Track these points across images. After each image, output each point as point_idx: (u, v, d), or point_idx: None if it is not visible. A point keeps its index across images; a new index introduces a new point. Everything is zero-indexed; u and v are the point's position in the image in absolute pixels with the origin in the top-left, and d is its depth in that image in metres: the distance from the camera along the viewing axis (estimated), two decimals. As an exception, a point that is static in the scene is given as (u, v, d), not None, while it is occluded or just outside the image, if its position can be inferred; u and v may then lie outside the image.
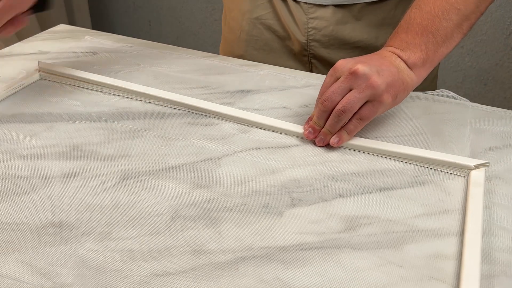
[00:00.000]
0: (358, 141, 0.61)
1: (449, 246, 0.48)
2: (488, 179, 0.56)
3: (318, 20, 0.80)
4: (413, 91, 0.74)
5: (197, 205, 0.52)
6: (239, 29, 0.88)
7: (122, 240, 0.48)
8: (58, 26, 0.96)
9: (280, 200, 0.53)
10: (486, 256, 0.47)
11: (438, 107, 0.70)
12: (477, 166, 0.57)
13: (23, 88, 0.73)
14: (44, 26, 1.77)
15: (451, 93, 0.72)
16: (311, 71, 0.87)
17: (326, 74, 0.81)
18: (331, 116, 0.59)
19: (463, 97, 0.71)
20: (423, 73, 0.62)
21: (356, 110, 0.58)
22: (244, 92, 0.73)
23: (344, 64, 0.59)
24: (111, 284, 0.43)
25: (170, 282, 0.44)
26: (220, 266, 0.45)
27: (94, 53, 0.84)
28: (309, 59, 0.86)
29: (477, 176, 0.56)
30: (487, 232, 0.50)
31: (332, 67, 0.60)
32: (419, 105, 0.70)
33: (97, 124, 0.65)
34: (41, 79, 0.76)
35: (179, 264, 0.45)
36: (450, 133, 0.64)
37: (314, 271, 0.45)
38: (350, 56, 0.81)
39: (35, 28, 1.81)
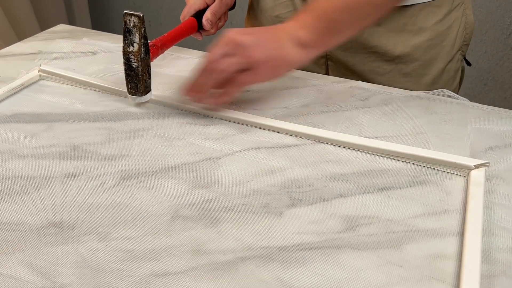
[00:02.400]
0: (358, 141, 0.61)
1: (449, 246, 0.48)
2: (488, 179, 0.56)
3: None
4: (413, 90, 0.74)
5: (197, 205, 0.52)
6: (259, 26, 0.88)
7: (122, 240, 0.48)
8: (58, 26, 0.96)
9: (280, 200, 0.53)
10: (486, 256, 0.47)
11: (438, 107, 0.70)
12: (477, 166, 0.57)
13: (23, 88, 0.73)
14: (44, 26, 1.77)
15: (451, 93, 0.72)
16: (327, 72, 0.86)
17: (341, 77, 0.81)
18: (208, 74, 0.63)
19: (463, 97, 0.71)
20: (311, 55, 0.65)
21: (231, 72, 0.62)
22: (244, 92, 0.73)
23: (231, 33, 0.62)
24: (111, 284, 0.43)
25: (170, 282, 0.44)
26: (220, 266, 0.45)
27: (94, 53, 0.84)
28: (326, 60, 0.85)
29: (477, 176, 0.56)
30: (487, 232, 0.50)
31: (223, 36, 0.63)
32: (419, 105, 0.70)
33: (97, 124, 0.65)
34: (41, 79, 0.76)
35: (179, 264, 0.45)
36: (450, 133, 0.64)
37: (314, 271, 0.45)
38: (367, 61, 0.81)
39: (35, 28, 1.81)
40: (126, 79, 0.66)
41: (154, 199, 0.53)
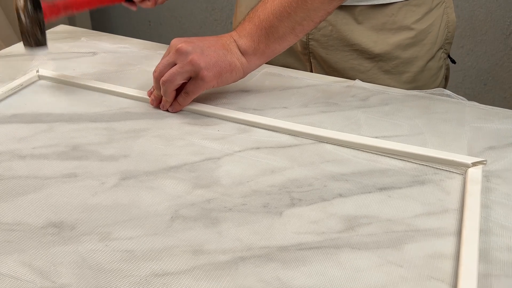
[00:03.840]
0: (358, 139, 0.61)
1: (449, 245, 0.48)
2: (487, 178, 0.56)
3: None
4: (412, 90, 0.74)
5: (197, 205, 0.52)
6: None
7: (122, 240, 0.48)
8: (58, 26, 0.96)
9: (279, 200, 0.53)
10: (486, 255, 0.47)
11: (437, 107, 0.70)
12: (474, 164, 0.57)
13: (23, 88, 0.73)
14: (44, 26, 1.77)
15: (449, 92, 0.72)
16: (311, 70, 0.87)
17: (325, 74, 0.81)
18: (159, 85, 0.66)
19: (463, 96, 0.72)
20: (255, 61, 0.68)
21: (178, 82, 0.65)
22: (244, 92, 0.73)
23: (175, 42, 0.66)
24: (111, 284, 0.43)
25: (170, 282, 0.44)
26: (220, 266, 0.45)
27: (94, 53, 0.84)
28: (309, 58, 0.86)
29: (474, 173, 0.56)
30: (486, 231, 0.50)
31: (169, 45, 0.67)
32: (417, 105, 0.70)
33: (97, 124, 0.65)
34: (40, 79, 0.76)
35: (179, 264, 0.46)
36: (449, 132, 0.64)
37: (313, 271, 0.45)
38: (348, 58, 0.81)
39: (35, 28, 1.81)
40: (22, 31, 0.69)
41: (154, 199, 0.53)
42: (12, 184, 0.54)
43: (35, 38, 0.69)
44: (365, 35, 0.79)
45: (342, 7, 0.78)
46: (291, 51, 0.87)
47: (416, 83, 0.83)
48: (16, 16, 0.68)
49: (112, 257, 0.46)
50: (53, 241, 0.47)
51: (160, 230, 0.49)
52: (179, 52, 0.64)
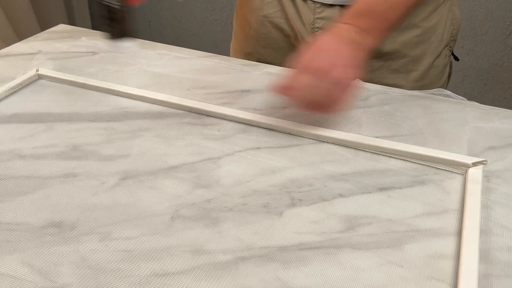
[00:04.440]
0: (358, 139, 0.61)
1: (449, 245, 0.48)
2: (488, 178, 0.56)
3: (324, 20, 0.80)
4: (419, 88, 0.75)
5: (197, 205, 0.52)
6: (248, 26, 0.89)
7: (122, 240, 0.48)
8: (58, 26, 0.96)
9: (280, 200, 0.53)
10: (486, 255, 0.47)
11: (437, 107, 0.70)
12: (474, 164, 0.57)
13: (23, 88, 0.73)
14: (44, 26, 1.77)
15: (448, 92, 0.72)
16: None
17: None
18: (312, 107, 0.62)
19: (464, 96, 0.71)
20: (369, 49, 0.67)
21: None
22: (244, 92, 0.73)
23: (315, 62, 0.61)
24: (111, 284, 0.43)
25: (170, 282, 0.44)
26: (220, 266, 0.45)
27: (94, 53, 0.84)
28: None
29: (474, 173, 0.56)
30: (487, 231, 0.50)
31: (300, 61, 0.62)
32: (417, 105, 0.70)
33: (97, 124, 0.65)
34: (39, 78, 0.76)
35: (179, 264, 0.45)
36: (449, 132, 0.64)
37: (314, 271, 0.45)
38: None
39: (35, 28, 1.81)
40: (104, 22, 0.60)
41: (154, 199, 0.53)
42: (12, 184, 0.54)
43: (124, 27, 0.61)
44: None
45: (344, 6, 0.78)
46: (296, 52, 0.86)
47: (423, 81, 0.83)
48: (100, 2, 0.59)
49: (112, 257, 0.46)
50: (53, 241, 0.47)
51: (160, 230, 0.49)
52: (334, 78, 0.60)
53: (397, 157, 0.60)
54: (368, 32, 0.64)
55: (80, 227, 0.49)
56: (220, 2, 2.01)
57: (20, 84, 0.73)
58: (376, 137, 0.63)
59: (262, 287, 0.44)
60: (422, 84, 0.83)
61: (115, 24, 0.60)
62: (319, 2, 0.79)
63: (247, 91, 0.73)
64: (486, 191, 0.55)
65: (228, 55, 0.88)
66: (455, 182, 0.56)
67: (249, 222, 0.50)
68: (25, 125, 0.65)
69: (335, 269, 0.45)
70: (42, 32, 0.92)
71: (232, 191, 0.54)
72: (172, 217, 0.51)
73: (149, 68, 0.79)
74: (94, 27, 2.25)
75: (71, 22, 2.09)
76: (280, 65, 0.83)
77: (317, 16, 0.80)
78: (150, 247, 0.47)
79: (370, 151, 0.61)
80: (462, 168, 0.57)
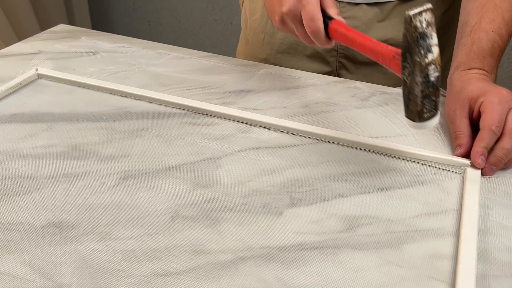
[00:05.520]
0: (358, 139, 0.61)
1: (449, 245, 0.48)
2: (486, 178, 0.56)
3: (350, 20, 0.79)
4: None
5: (197, 205, 0.52)
6: (263, 32, 0.87)
7: (122, 240, 0.48)
8: (58, 26, 0.96)
9: (280, 200, 0.53)
10: (485, 255, 0.47)
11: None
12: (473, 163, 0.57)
13: (23, 88, 0.73)
14: (44, 26, 1.77)
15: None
16: (336, 70, 0.86)
17: (354, 73, 0.80)
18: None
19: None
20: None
21: None
22: (244, 92, 0.73)
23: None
24: (111, 284, 0.43)
25: (170, 282, 0.44)
26: (220, 266, 0.45)
27: (94, 53, 0.84)
28: (337, 59, 0.85)
29: (473, 173, 0.56)
30: (486, 231, 0.50)
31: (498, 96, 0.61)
32: (419, 105, 0.70)
33: (97, 124, 0.65)
34: (39, 78, 0.76)
35: (179, 264, 0.46)
36: (449, 132, 0.64)
37: (314, 271, 0.45)
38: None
39: (35, 28, 1.81)
40: (416, 101, 0.47)
41: (154, 199, 0.53)
42: (12, 184, 0.54)
43: (433, 105, 0.48)
44: (396, 29, 0.79)
45: (373, 5, 0.77)
46: (314, 55, 0.85)
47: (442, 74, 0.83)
48: (417, 82, 0.46)
49: (112, 257, 0.46)
50: (53, 241, 0.47)
51: (161, 230, 0.49)
52: None
53: (397, 157, 0.60)
54: (492, 73, 0.67)
55: (80, 227, 0.49)
56: (220, 2, 2.01)
57: (20, 83, 0.73)
58: (376, 137, 0.63)
59: (262, 287, 0.44)
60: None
61: (435, 100, 0.48)
62: (345, 2, 0.78)
63: (247, 91, 0.73)
64: (485, 190, 0.55)
65: (228, 55, 0.88)
66: (455, 182, 0.56)
67: (249, 222, 0.50)
68: (25, 125, 0.65)
69: (335, 269, 0.45)
70: (42, 32, 0.92)
71: (232, 191, 0.54)
72: (172, 217, 0.51)
73: (149, 68, 0.79)
74: (94, 27, 2.25)
75: (71, 22, 2.09)
76: (297, 68, 0.81)
77: (342, 15, 0.79)
78: (150, 247, 0.47)
79: (370, 151, 0.61)
80: (460, 168, 0.57)
